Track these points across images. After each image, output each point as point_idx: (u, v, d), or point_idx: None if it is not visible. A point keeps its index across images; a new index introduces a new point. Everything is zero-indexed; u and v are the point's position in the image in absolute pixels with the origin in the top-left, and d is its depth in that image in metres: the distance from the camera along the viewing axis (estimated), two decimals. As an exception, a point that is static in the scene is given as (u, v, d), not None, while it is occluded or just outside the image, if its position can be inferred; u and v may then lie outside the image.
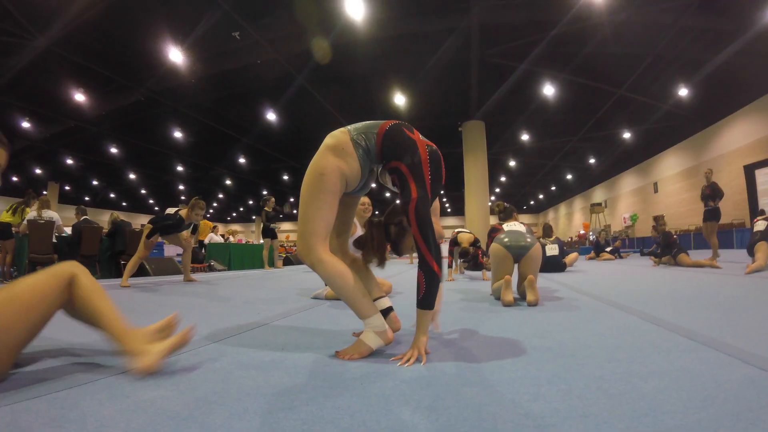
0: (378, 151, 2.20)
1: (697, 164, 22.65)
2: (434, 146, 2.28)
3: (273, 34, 13.34)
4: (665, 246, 9.54)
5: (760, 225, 7.40)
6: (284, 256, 14.28)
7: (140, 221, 39.09)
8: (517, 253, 4.13)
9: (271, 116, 19.35)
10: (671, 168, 25.53)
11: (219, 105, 18.64)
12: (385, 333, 2.09)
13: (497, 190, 38.79)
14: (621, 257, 14.90)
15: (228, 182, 34.61)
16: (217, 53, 14.32)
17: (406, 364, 1.87)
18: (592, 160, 29.44)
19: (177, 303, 4.20)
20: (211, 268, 11.54)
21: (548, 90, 17.07)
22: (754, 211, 16.56)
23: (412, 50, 14.49)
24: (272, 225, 11.73)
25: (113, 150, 24.68)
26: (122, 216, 11.20)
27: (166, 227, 6.63)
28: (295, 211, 12.39)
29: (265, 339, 2.48)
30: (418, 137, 2.25)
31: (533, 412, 1.31)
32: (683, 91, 17.68)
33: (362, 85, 17.00)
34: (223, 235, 17.35)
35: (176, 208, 6.87)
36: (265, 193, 26.27)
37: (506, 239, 4.22)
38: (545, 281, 6.26)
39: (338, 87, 16.83)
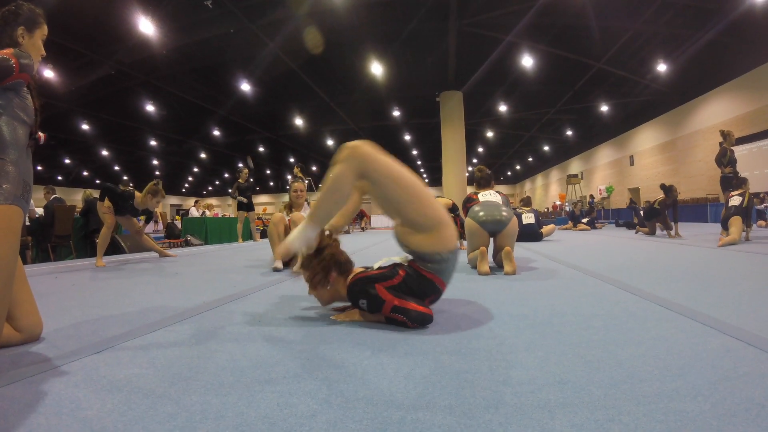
0: None
1: (674, 139, 22.98)
2: None
3: (246, 2, 13.01)
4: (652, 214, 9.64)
5: (735, 200, 7.51)
6: (261, 228, 14.16)
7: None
8: (493, 229, 4.12)
9: (245, 87, 18.91)
10: (648, 141, 25.77)
11: (192, 77, 18.16)
12: None
13: (474, 160, 38.79)
14: (596, 228, 15.07)
15: (203, 155, 33.98)
16: (189, 23, 13.83)
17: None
18: (569, 132, 29.53)
19: (152, 280, 4.13)
20: (187, 243, 11.40)
21: (527, 61, 16.97)
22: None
23: (389, 19, 14.25)
24: (244, 196, 11.61)
25: (84, 126, 24.04)
26: (96, 194, 10.98)
27: (116, 195, 6.14)
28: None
29: (240, 312, 2.46)
30: None
31: (511, 379, 1.31)
32: (662, 67, 17.72)
33: (339, 55, 16.72)
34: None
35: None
36: (240, 165, 25.98)
37: (481, 213, 4.16)
38: (522, 251, 6.30)
39: (314, 56, 16.55)
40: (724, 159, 8.43)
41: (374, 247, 8.24)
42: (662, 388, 1.22)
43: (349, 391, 1.25)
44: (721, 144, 8.52)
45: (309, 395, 1.22)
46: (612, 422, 1.03)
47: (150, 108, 20.95)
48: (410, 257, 2.22)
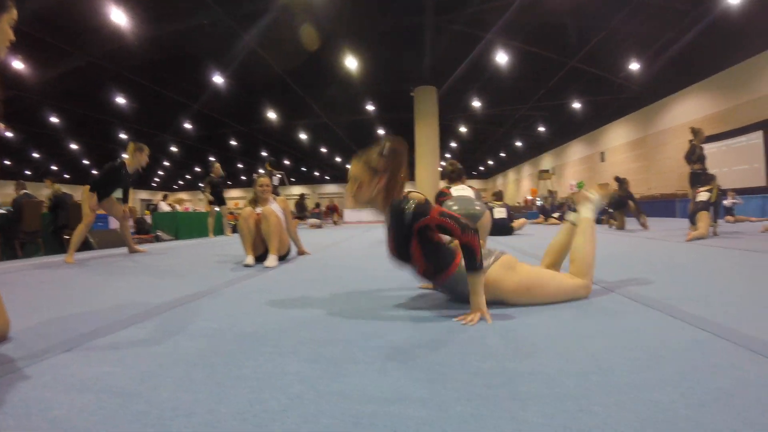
0: None
1: (645, 136, 23.43)
2: None
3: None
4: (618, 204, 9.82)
5: (702, 195, 7.69)
6: (233, 223, 14.00)
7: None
8: None
9: (218, 80, 18.65)
10: (619, 138, 26.20)
11: (164, 69, 17.73)
12: None
13: (447, 155, 38.97)
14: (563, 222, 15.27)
15: (174, 149, 33.47)
16: (162, 14, 13.56)
17: (470, 324, 1.90)
18: (541, 129, 29.81)
19: (121, 276, 4.06)
20: (157, 239, 11.21)
21: (502, 58, 17.08)
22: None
23: (365, 12, 14.19)
24: (216, 191, 11.49)
25: (54, 119, 23.43)
26: (65, 189, 10.71)
27: (114, 172, 6.04)
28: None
29: (211, 307, 2.43)
30: None
31: (483, 371, 1.32)
32: (635, 66, 18.02)
33: (313, 48, 16.64)
34: (171, 204, 16.95)
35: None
36: (212, 159, 25.65)
37: (455, 208, 4.20)
38: (493, 244, 6.29)
39: (288, 49, 16.38)
40: (693, 156, 8.59)
41: (347, 241, 8.24)
42: (632, 379, 1.24)
43: (322, 385, 1.23)
44: (691, 141, 8.68)
45: (281, 390, 1.21)
46: (583, 412, 1.04)
47: (121, 100, 20.50)
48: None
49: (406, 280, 3.17)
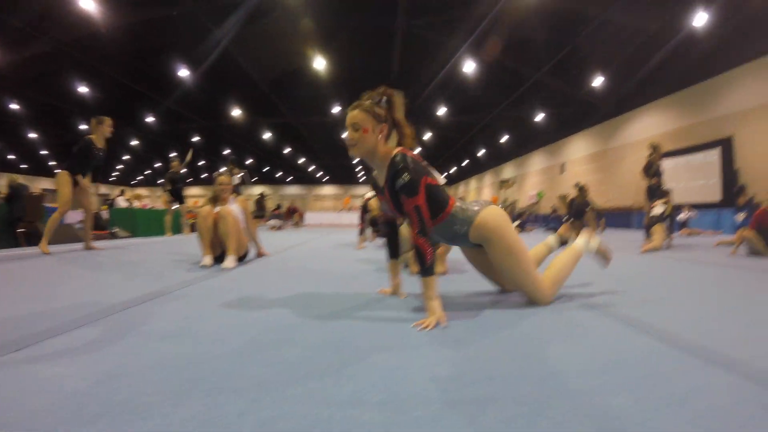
0: None
1: (605, 149, 24.04)
2: None
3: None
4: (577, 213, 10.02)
5: (657, 209, 7.91)
6: (191, 222, 13.75)
7: (41, 185, 36.50)
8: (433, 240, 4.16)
9: (184, 73, 18.26)
10: (579, 151, 26.78)
11: (130, 59, 17.25)
12: None
13: (410, 160, 39.18)
14: (525, 231, 15.50)
15: (134, 142, 32.63)
16: (132, 2, 13.24)
17: (428, 328, 1.91)
18: (504, 138, 30.25)
19: (75, 273, 3.95)
20: (113, 236, 10.91)
21: (469, 67, 17.29)
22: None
23: (336, 13, 14.15)
24: (175, 188, 11.31)
25: (13, 106, 22.54)
26: (21, 179, 10.35)
27: (83, 158, 6.09)
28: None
29: (168, 309, 2.37)
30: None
31: (440, 376, 1.32)
32: (598, 80, 18.47)
33: (282, 46, 16.50)
34: (128, 200, 16.59)
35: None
36: (173, 155, 25.21)
37: None
38: (455, 252, 6.37)
39: (257, 46, 16.24)
40: (651, 170, 8.83)
41: (308, 243, 8.19)
42: (588, 384, 1.26)
43: (278, 390, 1.22)
44: (649, 156, 8.91)
45: (238, 394, 1.18)
46: (540, 416, 1.05)
47: (83, 89, 19.85)
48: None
49: (367, 284, 3.17)
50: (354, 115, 2.31)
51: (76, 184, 6.07)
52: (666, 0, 12.65)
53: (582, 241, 2.81)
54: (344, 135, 2.34)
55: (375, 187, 2.55)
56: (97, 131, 6.23)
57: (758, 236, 6.54)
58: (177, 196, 11.28)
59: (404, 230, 4.22)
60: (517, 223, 15.48)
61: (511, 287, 2.84)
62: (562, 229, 2.97)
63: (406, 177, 2.18)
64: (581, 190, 10.13)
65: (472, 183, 49.31)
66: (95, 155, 6.22)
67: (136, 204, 16.25)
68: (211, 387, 1.23)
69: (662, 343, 1.73)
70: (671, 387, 1.25)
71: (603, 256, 2.91)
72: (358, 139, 2.29)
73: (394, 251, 2.76)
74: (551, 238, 2.93)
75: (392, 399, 1.15)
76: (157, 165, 42.10)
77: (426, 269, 2.14)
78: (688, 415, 1.07)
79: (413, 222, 2.17)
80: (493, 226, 2.40)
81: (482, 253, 2.68)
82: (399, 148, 2.32)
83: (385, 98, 2.36)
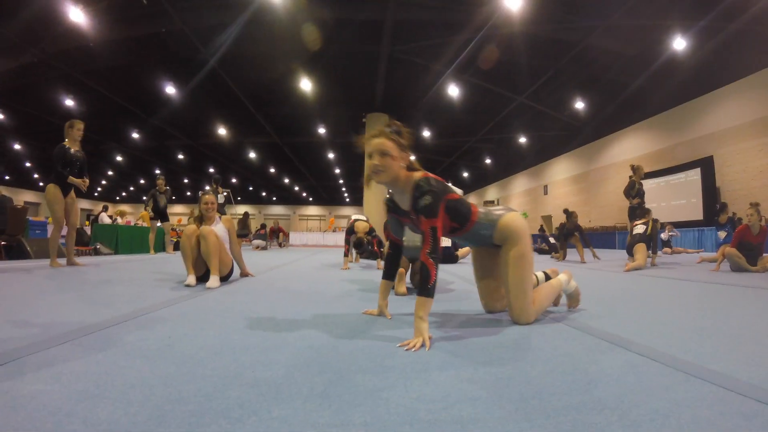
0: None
1: (587, 171, 24.43)
2: None
3: (183, 3, 12.65)
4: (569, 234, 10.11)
5: (639, 228, 8.05)
6: (175, 240, 13.62)
7: (23, 197, 36.09)
8: (412, 255, 4.21)
9: (170, 90, 18.30)
10: (562, 173, 27.14)
11: (117, 74, 17.17)
12: None
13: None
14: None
15: (119, 158, 32.36)
16: (121, 17, 13.10)
17: (413, 349, 1.92)
18: (488, 161, 30.53)
19: (58, 289, 3.89)
20: (96, 252, 10.80)
21: (452, 90, 17.49)
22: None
23: (323, 36, 14.25)
24: (159, 206, 11.26)
25: (-2, 117, 22.33)
26: (4, 191, 10.21)
27: (63, 163, 6.17)
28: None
29: (150, 327, 2.34)
30: None
31: (425, 396, 1.32)
32: (580, 104, 18.79)
33: (270, 66, 16.54)
34: (111, 216, 16.43)
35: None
36: (158, 172, 25.01)
37: (403, 239, 4.25)
38: (439, 272, 6.37)
39: (244, 66, 16.28)
40: (632, 191, 8.96)
41: (293, 264, 8.17)
42: (570, 402, 1.27)
43: (263, 411, 1.21)
44: (630, 177, 9.03)
45: (221, 415, 1.17)
46: (522, 436, 1.06)
47: (70, 103, 19.59)
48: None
49: (351, 305, 3.17)
50: (381, 142, 2.37)
51: (65, 195, 6.16)
52: (646, 25, 12.91)
53: (564, 278, 2.92)
54: (372, 162, 2.39)
55: (394, 210, 2.67)
56: (69, 135, 6.32)
57: (740, 253, 6.70)
58: (160, 214, 11.22)
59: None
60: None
61: (499, 305, 2.91)
62: (549, 271, 3.05)
63: (428, 200, 2.27)
64: (570, 215, 10.24)
65: (457, 205, 49.52)
66: (72, 158, 6.27)
67: (120, 220, 16.06)
68: (194, 408, 1.22)
69: (644, 358, 1.76)
70: (654, 401, 1.28)
71: (575, 299, 3.00)
72: (386, 166, 2.37)
73: (391, 273, 2.79)
74: (539, 274, 3.01)
75: (376, 420, 1.15)
76: (141, 182, 41.82)
77: (427, 289, 2.18)
78: (672, 429, 1.09)
79: (426, 241, 2.24)
80: (515, 228, 2.57)
81: (494, 257, 2.81)
82: (422, 173, 2.42)
83: (403, 127, 2.45)
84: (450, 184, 2.62)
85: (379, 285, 2.85)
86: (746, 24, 12.30)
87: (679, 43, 13.30)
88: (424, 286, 2.19)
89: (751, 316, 2.93)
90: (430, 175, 2.41)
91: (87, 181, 6.51)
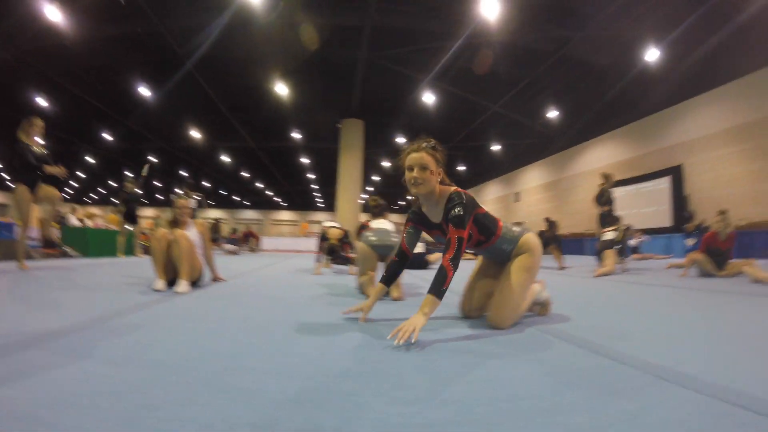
0: None
1: (558, 179, 24.81)
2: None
3: (161, 4, 12.42)
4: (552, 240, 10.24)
5: (608, 235, 8.17)
6: (145, 244, 13.39)
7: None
8: (383, 252, 4.28)
9: (145, 92, 17.97)
10: (534, 180, 27.50)
11: (91, 73, 16.82)
12: None
13: (370, 188, 39.39)
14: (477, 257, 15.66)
15: (90, 160, 31.65)
16: (98, 16, 12.84)
17: (401, 338, 2.04)
18: (461, 168, 30.74)
19: (24, 293, 3.79)
20: (65, 255, 10.59)
21: (428, 98, 17.59)
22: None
23: (300, 41, 14.17)
24: (130, 208, 11.11)
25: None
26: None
27: (24, 162, 6.02)
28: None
29: (118, 332, 2.29)
30: None
31: (397, 400, 1.32)
32: (553, 113, 19.07)
33: (247, 70, 16.38)
34: (80, 218, 16.08)
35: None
36: (129, 174, 24.61)
37: (373, 238, 4.31)
38: (410, 277, 6.40)
39: (220, 69, 16.13)
40: (602, 199, 9.10)
41: (264, 269, 8.12)
42: (542, 405, 1.29)
43: (234, 415, 1.19)
44: (601, 185, 9.18)
45: (191, 420, 1.16)
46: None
47: (41, 102, 19.10)
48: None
49: (322, 311, 3.16)
50: (422, 156, 2.56)
51: (35, 195, 6.03)
52: (620, 36, 13.15)
53: (538, 288, 3.02)
54: (412, 174, 2.56)
55: (419, 222, 2.83)
56: (26, 133, 6.19)
57: (708, 259, 6.87)
58: (131, 217, 11.06)
59: (363, 248, 4.25)
60: (471, 251, 15.58)
61: (479, 312, 2.96)
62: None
63: (459, 211, 2.44)
64: (551, 224, 10.37)
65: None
66: (33, 156, 6.11)
67: (89, 223, 15.72)
68: (164, 414, 1.20)
69: (614, 361, 1.79)
70: (624, 403, 1.30)
71: (545, 307, 3.09)
72: (425, 179, 2.54)
73: (390, 280, 2.84)
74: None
75: (348, 424, 1.15)
76: (112, 184, 41.04)
77: (439, 291, 2.30)
78: (641, 430, 1.11)
79: (451, 247, 2.37)
80: (533, 245, 2.75)
81: (496, 267, 2.95)
82: (455, 188, 2.61)
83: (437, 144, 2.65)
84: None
85: (374, 287, 3.05)
86: (716, 36, 12.64)
87: (652, 54, 13.58)
88: (437, 288, 2.30)
89: (718, 320, 3.02)
90: (461, 190, 2.57)
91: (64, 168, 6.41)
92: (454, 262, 2.33)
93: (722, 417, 1.20)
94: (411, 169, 2.56)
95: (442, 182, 2.63)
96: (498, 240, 2.72)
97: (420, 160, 2.54)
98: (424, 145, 2.59)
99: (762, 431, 1.12)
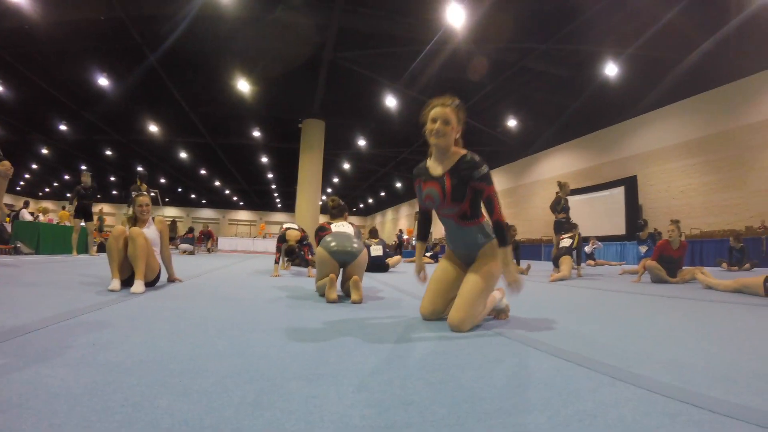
0: None
1: (516, 186, 25.35)
2: None
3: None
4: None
5: (565, 242, 8.38)
6: (98, 241, 13.04)
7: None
8: (343, 259, 4.22)
9: (103, 81, 17.52)
10: (492, 187, 27.88)
11: (49, 59, 16.24)
12: None
13: (329, 190, 39.31)
14: (438, 261, 15.76)
15: (44, 151, 30.55)
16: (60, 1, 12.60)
17: (516, 290, 2.71)
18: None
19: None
20: (16, 251, 10.23)
21: (389, 101, 17.67)
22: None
23: (266, 37, 14.07)
24: (84, 203, 10.82)
25: None
26: None
27: None
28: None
29: (73, 333, 2.23)
30: None
31: (359, 403, 1.33)
32: (512, 122, 19.42)
33: (208, 65, 16.15)
34: (32, 213, 15.59)
35: None
36: (83, 168, 23.93)
37: (333, 244, 4.22)
38: (369, 281, 6.43)
39: (180, 61, 15.82)
40: (558, 206, 9.29)
41: (222, 270, 8.02)
42: (501, 405, 1.32)
43: (194, 419, 1.18)
44: (557, 193, 9.37)
45: (151, 425, 1.13)
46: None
47: None
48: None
49: (281, 312, 3.15)
50: (447, 111, 2.79)
51: None
52: (580, 50, 13.48)
53: (498, 295, 3.08)
54: (435, 126, 2.78)
55: (422, 174, 3.04)
56: None
57: (660, 265, 7.10)
58: (84, 213, 10.76)
59: (321, 254, 4.23)
60: (429, 254, 15.67)
61: (438, 316, 2.99)
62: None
63: (485, 169, 2.71)
64: (509, 229, 10.55)
65: (389, 214, 50.11)
66: None
67: (42, 218, 15.23)
68: (121, 418, 1.17)
69: (570, 363, 1.85)
70: (581, 403, 1.34)
71: (505, 313, 3.17)
72: (446, 132, 2.78)
73: (424, 235, 3.37)
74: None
75: (309, 428, 1.14)
76: (66, 177, 39.75)
77: (506, 241, 2.74)
78: (599, 428, 1.15)
79: (495, 203, 2.70)
80: (498, 252, 2.83)
81: (458, 271, 3.03)
82: (465, 150, 2.84)
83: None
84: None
85: (415, 247, 3.43)
86: (670, 54, 13.09)
87: (611, 69, 13.98)
88: (505, 239, 2.73)
89: (670, 323, 3.16)
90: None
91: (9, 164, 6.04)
92: (502, 214, 2.72)
93: (677, 416, 1.25)
94: (435, 120, 2.78)
95: (456, 142, 2.88)
96: (477, 226, 2.85)
97: (444, 115, 2.77)
98: (450, 102, 2.80)
99: (714, 428, 1.17)
